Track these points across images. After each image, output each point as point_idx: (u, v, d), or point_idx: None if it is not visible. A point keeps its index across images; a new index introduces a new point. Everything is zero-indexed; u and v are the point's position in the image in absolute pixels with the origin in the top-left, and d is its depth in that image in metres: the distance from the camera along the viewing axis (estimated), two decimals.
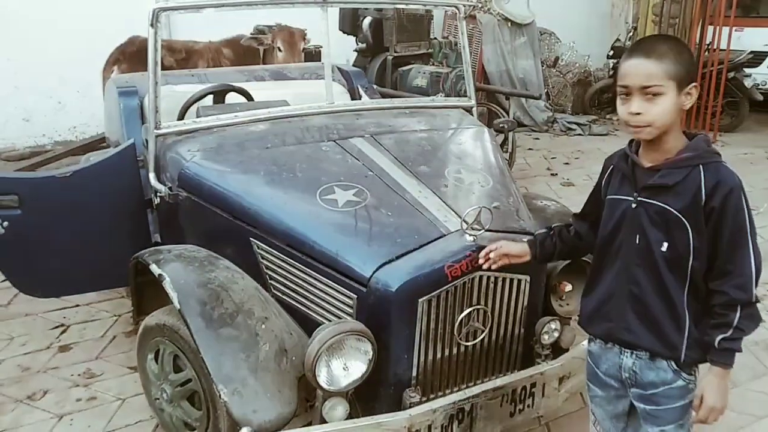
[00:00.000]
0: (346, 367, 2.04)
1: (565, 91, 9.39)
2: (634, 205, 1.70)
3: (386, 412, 2.07)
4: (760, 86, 8.62)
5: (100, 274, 2.92)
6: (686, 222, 1.63)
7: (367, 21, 5.99)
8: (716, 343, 1.63)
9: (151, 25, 2.53)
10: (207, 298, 2.14)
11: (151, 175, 2.61)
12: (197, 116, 2.91)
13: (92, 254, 2.89)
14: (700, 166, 1.63)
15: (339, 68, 4.24)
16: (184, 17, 7.68)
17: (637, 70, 1.60)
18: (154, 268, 2.25)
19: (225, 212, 2.40)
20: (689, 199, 1.62)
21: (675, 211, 1.64)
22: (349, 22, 6.11)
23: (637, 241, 1.70)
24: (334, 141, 2.68)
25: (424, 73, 5.50)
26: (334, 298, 2.17)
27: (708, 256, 1.64)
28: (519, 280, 2.21)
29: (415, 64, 5.86)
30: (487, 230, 2.11)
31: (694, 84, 1.62)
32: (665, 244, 1.66)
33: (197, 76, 3.92)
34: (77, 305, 3.76)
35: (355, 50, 6.45)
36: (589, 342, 1.91)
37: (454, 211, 2.29)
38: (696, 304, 1.68)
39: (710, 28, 8.39)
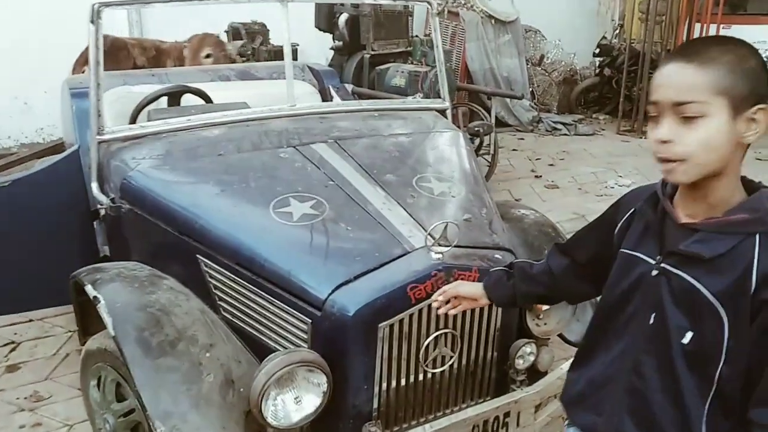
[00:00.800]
0: (299, 400, 1.84)
1: (551, 90, 9.22)
2: (655, 272, 1.23)
3: None
4: None
5: (45, 291, 2.70)
6: (723, 311, 1.14)
7: (343, 18, 5.77)
8: None
9: (92, 21, 2.31)
10: (145, 324, 1.92)
11: (94, 185, 2.40)
12: (148, 120, 2.70)
13: (36, 269, 2.68)
14: (757, 237, 1.14)
15: (310, 67, 4.03)
16: (155, 16, 7.51)
17: (670, 80, 1.14)
18: (89, 289, 2.03)
19: (170, 227, 2.19)
20: (732, 280, 1.14)
21: (710, 294, 1.16)
22: (325, 19, 5.89)
23: (651, 321, 1.23)
24: (294, 147, 2.48)
25: (402, 72, 5.30)
26: (287, 322, 1.96)
27: (749, 368, 1.15)
28: None
29: (393, 63, 5.65)
30: (455, 246, 1.91)
31: (761, 106, 1.12)
32: (689, 335, 1.18)
33: (157, 76, 3.70)
34: (30, 320, 3.54)
35: (332, 48, 6.23)
36: (567, 425, 1.46)
37: (420, 224, 2.09)
38: (723, 421, 1.19)
39: (697, 26, 8.28)
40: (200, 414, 1.82)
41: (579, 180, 6.15)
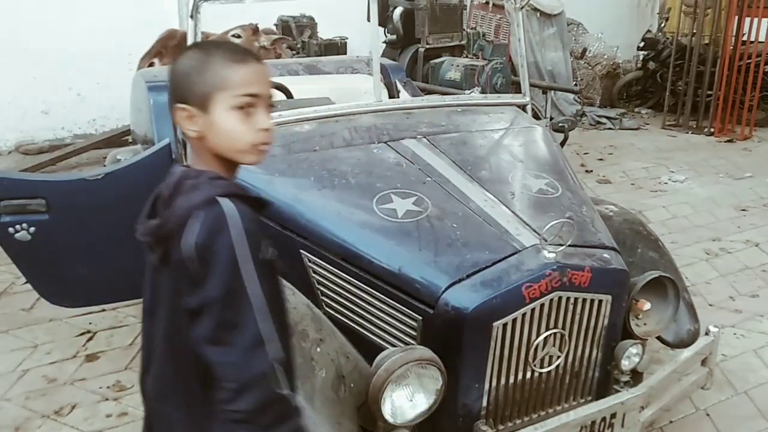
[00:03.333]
0: (412, 397, 1.85)
1: (594, 83, 9.10)
2: None
3: None
4: None
5: (131, 284, 2.73)
6: None
7: (397, 11, 5.75)
8: None
9: (191, 16, 2.32)
10: None
11: None
12: None
13: (123, 262, 2.70)
14: None
15: None
16: (206, 9, 7.54)
17: (266, 76, 1.32)
18: None
19: (273, 221, 2.20)
20: None
21: None
22: (378, 13, 5.86)
23: None
24: (385, 143, 2.47)
25: (458, 65, 5.27)
26: (396, 319, 1.97)
27: None
28: (600, 301, 2.00)
29: (447, 57, 5.62)
30: (568, 246, 1.91)
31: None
32: None
33: None
34: (103, 310, 3.58)
35: (384, 42, 6.22)
36: None
37: (525, 222, 2.08)
38: None
39: (747, 20, 8.12)
40: (316, 409, 1.83)
41: (631, 175, 6.08)
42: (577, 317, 1.98)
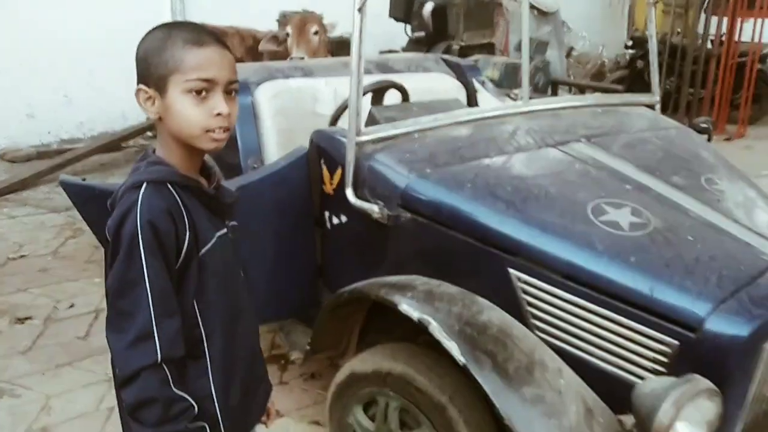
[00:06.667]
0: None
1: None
2: None
3: None
4: None
5: (273, 304, 2.44)
6: None
7: (428, 7, 5.53)
8: None
9: (359, 10, 2.05)
10: (494, 348, 1.72)
11: (349, 191, 2.15)
12: (371, 120, 2.46)
13: (263, 281, 2.42)
14: None
15: (444, 59, 3.81)
16: (199, 2, 7.14)
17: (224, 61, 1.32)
18: (407, 309, 1.82)
19: (472, 238, 1.97)
20: None
21: None
22: (403, 9, 5.65)
23: None
24: (555, 147, 2.28)
25: (495, 64, 5.12)
26: (639, 344, 1.77)
27: None
28: None
29: (480, 55, 5.46)
30: None
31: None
32: None
33: (300, 69, 3.43)
34: None
35: (411, 38, 5.99)
36: None
37: (756, 232, 1.93)
38: None
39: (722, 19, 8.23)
40: None
41: None
42: None
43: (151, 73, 1.27)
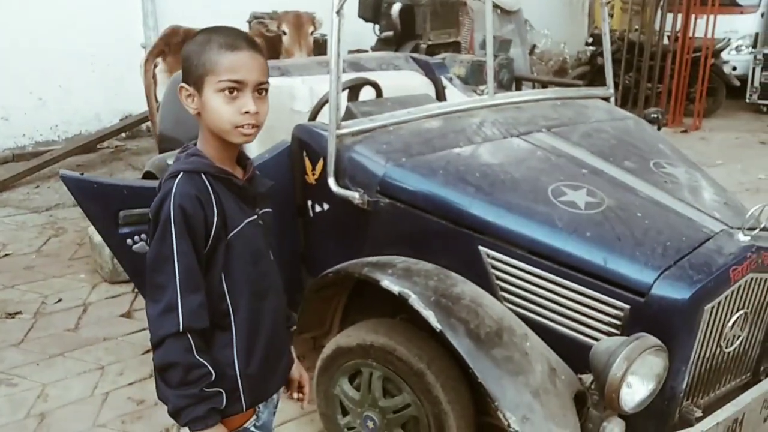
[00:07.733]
0: (630, 384, 1.88)
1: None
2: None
3: (666, 429, 1.94)
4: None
5: None
6: None
7: (396, 7, 5.72)
8: None
9: (337, 12, 2.24)
10: (467, 316, 1.92)
11: (331, 180, 2.33)
12: (346, 114, 2.64)
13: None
14: None
15: (413, 58, 4.01)
16: (170, 4, 7.22)
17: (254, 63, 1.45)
18: (388, 284, 2.01)
19: (445, 219, 2.17)
20: None
21: None
22: (371, 9, 5.83)
23: None
24: (518, 137, 2.49)
25: (462, 61, 5.33)
26: (596, 310, 1.99)
27: None
28: None
29: (447, 53, 5.66)
30: (762, 229, 1.99)
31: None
32: None
33: (277, 69, 3.60)
34: None
35: (379, 38, 6.17)
36: None
37: (698, 209, 2.16)
38: None
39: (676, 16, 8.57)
40: (541, 403, 1.84)
41: None
42: (762, 298, 2.08)
43: (191, 74, 1.42)
